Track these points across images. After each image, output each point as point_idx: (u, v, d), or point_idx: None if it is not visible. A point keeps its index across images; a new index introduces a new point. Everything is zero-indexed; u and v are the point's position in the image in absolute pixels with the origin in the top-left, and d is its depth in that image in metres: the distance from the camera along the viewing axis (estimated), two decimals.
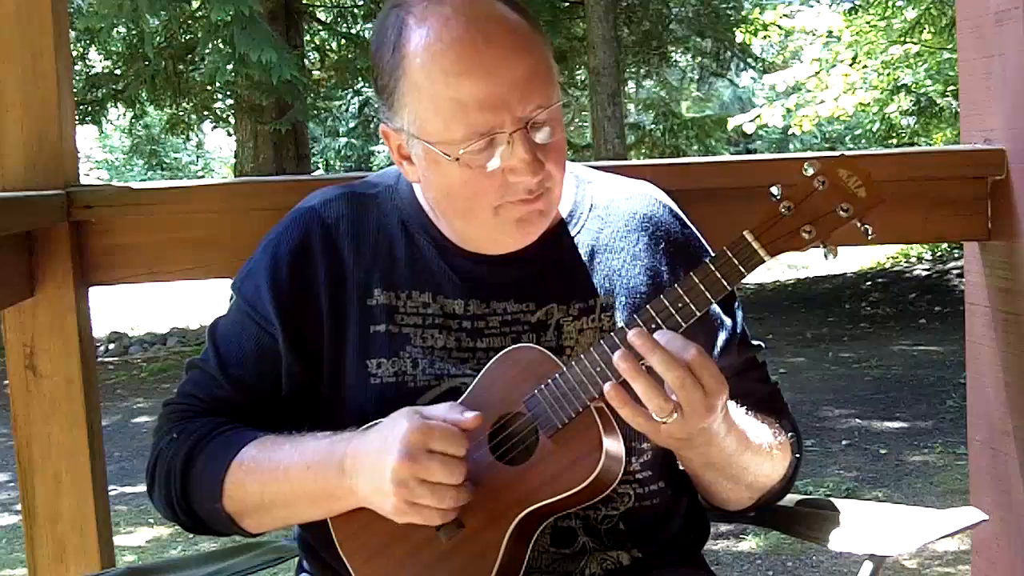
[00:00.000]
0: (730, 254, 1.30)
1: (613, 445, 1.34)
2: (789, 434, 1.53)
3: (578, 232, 1.51)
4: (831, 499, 1.72)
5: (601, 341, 1.33)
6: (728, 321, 1.52)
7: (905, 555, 4.06)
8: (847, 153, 1.47)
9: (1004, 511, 2.12)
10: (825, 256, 1.31)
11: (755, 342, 1.58)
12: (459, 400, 1.40)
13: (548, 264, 1.48)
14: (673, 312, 1.31)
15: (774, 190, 1.30)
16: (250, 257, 1.55)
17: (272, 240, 1.52)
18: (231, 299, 1.55)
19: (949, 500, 4.86)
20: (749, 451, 1.42)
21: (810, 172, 1.30)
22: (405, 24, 1.36)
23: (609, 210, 1.53)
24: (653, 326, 1.30)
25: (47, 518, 1.96)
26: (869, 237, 1.30)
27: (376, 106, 1.52)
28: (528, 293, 1.47)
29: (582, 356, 1.34)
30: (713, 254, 1.31)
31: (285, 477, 1.39)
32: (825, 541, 1.59)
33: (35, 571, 1.98)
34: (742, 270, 1.30)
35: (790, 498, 1.73)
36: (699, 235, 1.57)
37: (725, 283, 1.30)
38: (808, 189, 1.30)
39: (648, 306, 1.32)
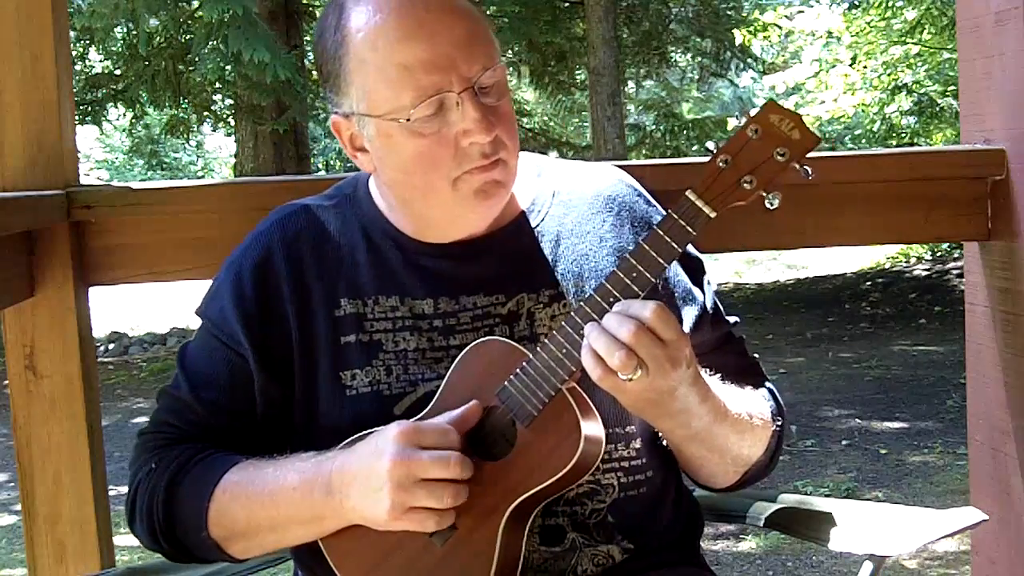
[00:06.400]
0: (676, 216, 1.30)
1: (591, 424, 1.35)
2: (769, 404, 1.52)
3: (542, 220, 1.51)
4: (831, 499, 1.72)
5: (563, 323, 1.33)
6: (699, 296, 1.51)
7: (905, 555, 4.06)
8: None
9: (1004, 511, 2.12)
10: (770, 204, 1.30)
11: (731, 318, 1.57)
12: (431, 403, 1.40)
13: (514, 254, 1.48)
14: (629, 282, 1.30)
15: (710, 146, 1.31)
16: (213, 279, 1.54)
17: (234, 260, 1.51)
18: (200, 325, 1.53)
19: (949, 500, 4.86)
20: (728, 420, 1.41)
21: (743, 122, 1.30)
22: (343, 6, 1.39)
23: (572, 194, 1.53)
24: (611, 299, 1.30)
25: (47, 518, 1.96)
26: (809, 177, 1.28)
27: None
28: (497, 285, 1.46)
29: (547, 341, 1.34)
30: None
31: (272, 501, 1.38)
32: (825, 541, 1.59)
33: (35, 571, 1.98)
34: (689, 230, 1.30)
35: (790, 498, 1.73)
36: (663, 211, 1.56)
37: (675, 245, 1.30)
38: (743, 140, 1.29)
39: (604, 280, 1.32)
